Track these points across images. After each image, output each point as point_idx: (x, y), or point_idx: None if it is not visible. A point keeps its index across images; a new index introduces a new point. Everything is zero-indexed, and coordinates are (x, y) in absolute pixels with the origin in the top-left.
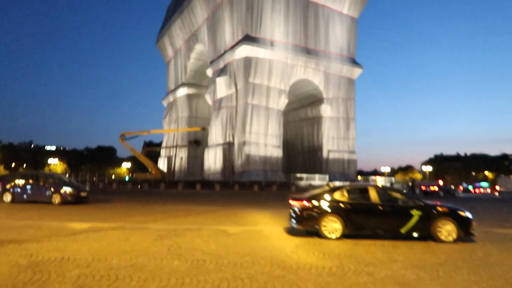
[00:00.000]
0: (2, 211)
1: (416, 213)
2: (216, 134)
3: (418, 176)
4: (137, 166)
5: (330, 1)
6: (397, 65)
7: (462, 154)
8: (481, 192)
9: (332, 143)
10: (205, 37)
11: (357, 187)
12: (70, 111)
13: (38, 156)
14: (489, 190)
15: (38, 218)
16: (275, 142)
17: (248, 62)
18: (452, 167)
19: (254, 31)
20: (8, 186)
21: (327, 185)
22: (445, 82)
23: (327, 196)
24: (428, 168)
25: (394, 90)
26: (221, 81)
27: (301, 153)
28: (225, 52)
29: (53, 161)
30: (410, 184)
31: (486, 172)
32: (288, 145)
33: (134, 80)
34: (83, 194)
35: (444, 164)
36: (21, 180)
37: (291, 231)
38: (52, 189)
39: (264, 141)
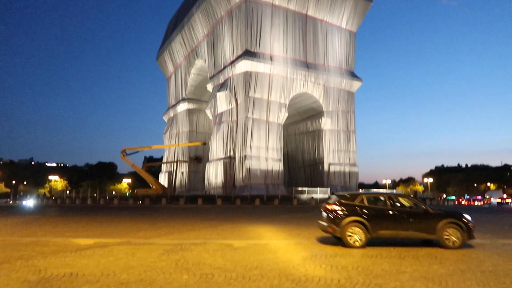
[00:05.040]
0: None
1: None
2: (217, 149)
3: (420, 188)
4: (138, 181)
5: (329, 16)
6: (396, 77)
7: (463, 165)
8: None
9: (333, 156)
10: (205, 52)
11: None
12: (70, 128)
13: (39, 173)
14: None
15: (43, 235)
16: (276, 155)
17: (248, 77)
18: (454, 178)
19: (254, 46)
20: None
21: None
22: (445, 93)
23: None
24: (429, 180)
25: (394, 102)
26: (221, 96)
27: (302, 166)
28: (225, 67)
29: (53, 178)
30: (412, 196)
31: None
32: (289, 158)
33: (134, 96)
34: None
35: (445, 176)
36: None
37: (298, 245)
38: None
39: (265, 155)
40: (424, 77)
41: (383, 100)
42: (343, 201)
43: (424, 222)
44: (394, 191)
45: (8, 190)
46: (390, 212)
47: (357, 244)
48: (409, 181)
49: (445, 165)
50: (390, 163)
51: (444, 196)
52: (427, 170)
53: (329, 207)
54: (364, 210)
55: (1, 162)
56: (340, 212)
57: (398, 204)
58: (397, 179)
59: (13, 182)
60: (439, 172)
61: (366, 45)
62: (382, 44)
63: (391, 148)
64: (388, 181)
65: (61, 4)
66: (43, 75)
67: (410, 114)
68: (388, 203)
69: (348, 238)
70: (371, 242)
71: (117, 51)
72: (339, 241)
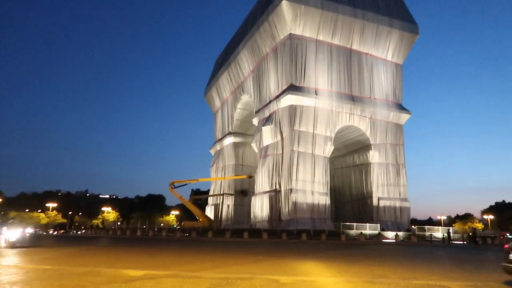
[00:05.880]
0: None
1: None
2: (262, 182)
3: (479, 225)
4: (185, 213)
5: (374, 49)
6: (449, 107)
7: None
8: None
9: (382, 190)
10: (250, 88)
11: None
12: (123, 161)
13: (93, 205)
14: None
15: (95, 265)
16: (322, 189)
17: (293, 111)
18: None
19: (298, 80)
20: None
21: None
22: (503, 123)
23: None
24: (489, 217)
25: (447, 133)
26: (267, 130)
27: (350, 201)
28: (270, 101)
29: (106, 209)
30: (471, 234)
31: None
32: (335, 192)
33: (183, 131)
34: None
35: (507, 213)
36: None
37: (348, 283)
38: None
39: (311, 188)
40: (480, 105)
41: (436, 132)
42: None
43: None
44: (451, 228)
45: (65, 220)
46: None
47: None
48: (466, 217)
49: (506, 201)
50: (444, 198)
51: (508, 235)
52: (486, 206)
53: None
54: None
55: (60, 194)
56: None
57: None
58: (452, 215)
59: (69, 213)
60: (499, 209)
61: (417, 76)
62: (433, 74)
63: (445, 182)
64: (444, 217)
65: (127, 47)
66: (99, 113)
67: (465, 146)
68: None
69: None
70: None
71: (168, 90)
72: None
